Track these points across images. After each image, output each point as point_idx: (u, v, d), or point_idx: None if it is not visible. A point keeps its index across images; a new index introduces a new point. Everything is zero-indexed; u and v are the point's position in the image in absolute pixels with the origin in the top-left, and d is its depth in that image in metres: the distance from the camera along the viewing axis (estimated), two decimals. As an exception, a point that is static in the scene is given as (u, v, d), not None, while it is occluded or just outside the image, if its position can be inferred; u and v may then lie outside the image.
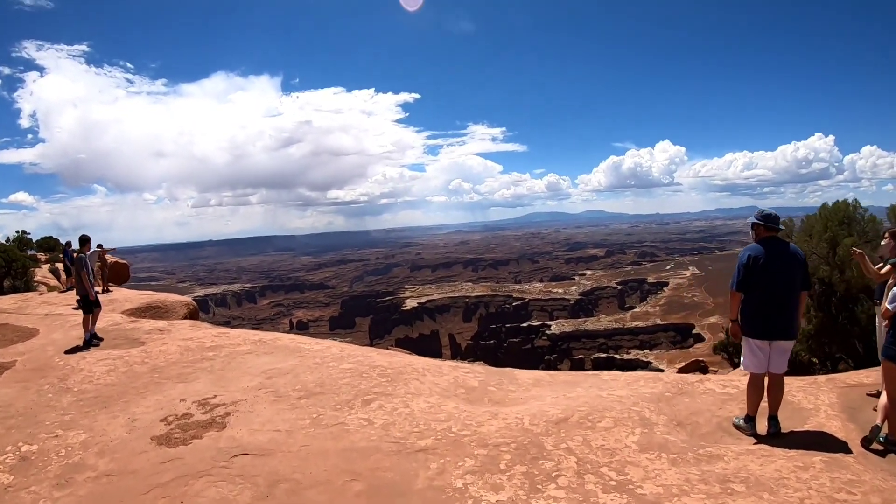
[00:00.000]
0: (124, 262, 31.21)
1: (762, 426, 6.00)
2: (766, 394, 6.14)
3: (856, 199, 12.99)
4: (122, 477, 5.15)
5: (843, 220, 12.96)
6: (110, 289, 21.78)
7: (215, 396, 7.17)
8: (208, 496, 4.66)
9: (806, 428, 6.01)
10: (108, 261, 24.25)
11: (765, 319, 5.99)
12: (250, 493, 4.69)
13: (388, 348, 19.54)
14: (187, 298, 20.57)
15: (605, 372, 8.59)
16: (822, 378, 7.91)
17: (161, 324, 12.63)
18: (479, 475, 4.85)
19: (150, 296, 20.02)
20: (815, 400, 6.84)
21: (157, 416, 6.70)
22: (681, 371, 21.99)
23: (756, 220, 6.52)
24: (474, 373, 8.19)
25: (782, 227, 6.45)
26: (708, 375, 8.37)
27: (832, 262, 12.86)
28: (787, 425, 5.98)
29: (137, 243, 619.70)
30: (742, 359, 6.43)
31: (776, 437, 5.80)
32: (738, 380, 8.22)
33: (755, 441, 5.78)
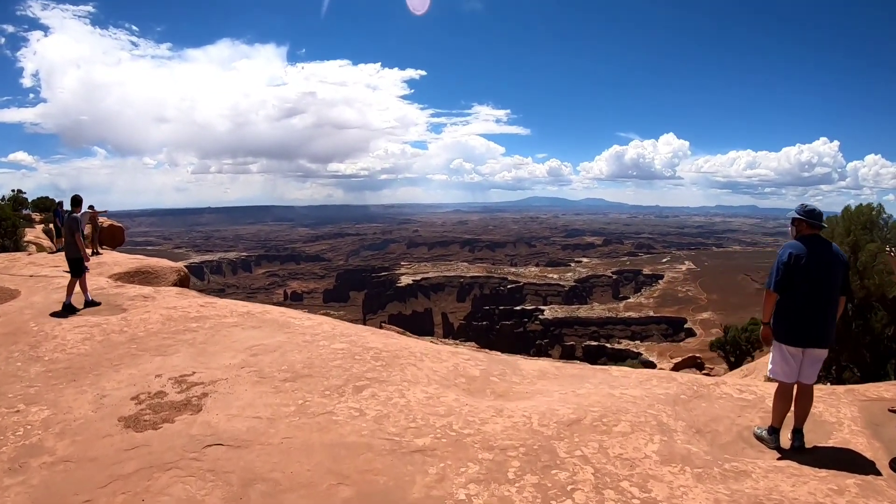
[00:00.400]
0: (120, 224, 30.83)
1: (785, 439, 5.55)
2: (793, 405, 5.62)
3: (880, 204, 12.32)
4: (80, 464, 4.58)
5: (865, 224, 12.34)
6: (101, 252, 21.22)
7: (193, 374, 6.59)
8: (173, 494, 4.08)
9: (830, 444, 5.54)
10: (101, 223, 23.64)
11: (801, 324, 5.47)
12: (221, 492, 4.11)
13: (380, 326, 18.93)
14: (178, 264, 20.00)
15: (615, 367, 8.04)
16: (840, 389, 7.47)
17: (147, 290, 12.03)
18: (484, 485, 4.27)
19: (140, 260, 19.44)
20: (836, 413, 6.34)
21: (128, 392, 6.10)
22: (677, 366, 21.63)
23: (798, 216, 5.95)
24: (475, 360, 7.61)
25: (825, 225, 5.85)
26: (724, 378, 7.82)
27: (853, 267, 12.30)
28: (810, 439, 5.54)
29: (136, 207, 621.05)
30: (771, 366, 5.88)
31: (801, 453, 5.34)
32: (755, 385, 7.76)
33: (779, 456, 5.32)
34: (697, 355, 21.88)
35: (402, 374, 6.61)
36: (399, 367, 6.80)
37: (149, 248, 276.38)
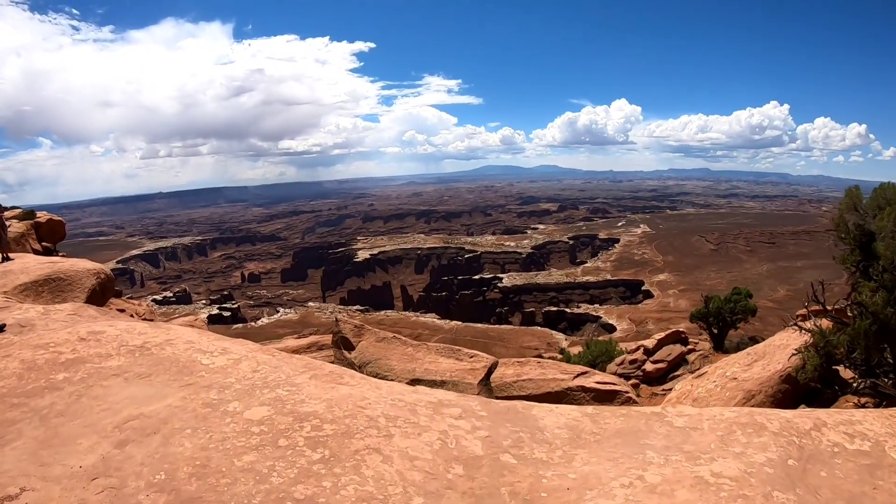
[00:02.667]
0: (60, 218, 28.19)
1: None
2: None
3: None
4: None
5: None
6: (11, 256, 18.05)
7: (14, 498, 3.83)
8: None
9: None
10: (6, 222, 20.33)
11: None
12: None
13: (337, 316, 15.85)
14: (98, 266, 16.93)
15: (672, 409, 5.53)
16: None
17: (33, 312, 9.21)
18: None
19: (53, 265, 16.34)
20: None
21: None
22: (661, 342, 19.72)
23: None
24: (470, 418, 4.98)
25: None
26: (821, 417, 5.40)
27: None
28: None
29: (86, 197, 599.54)
30: None
31: None
32: (855, 420, 5.53)
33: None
34: (681, 329, 20.02)
35: (358, 474, 3.92)
36: (354, 460, 4.11)
37: (101, 238, 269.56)
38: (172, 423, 4.57)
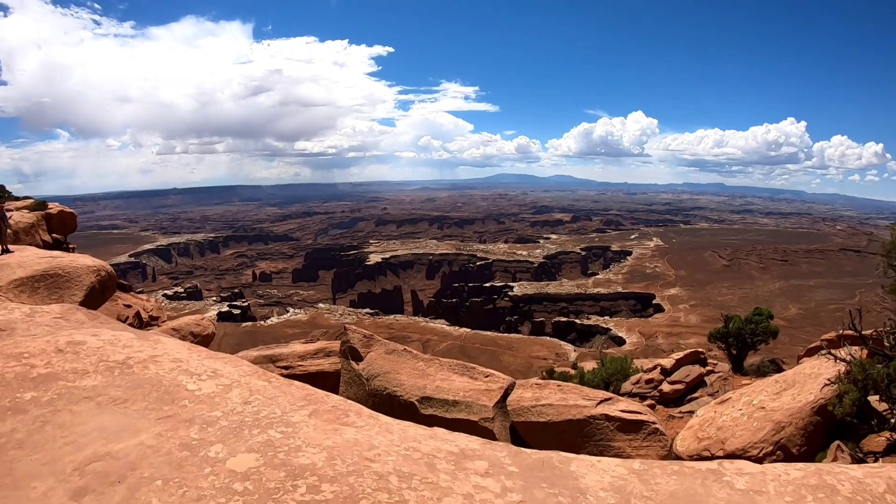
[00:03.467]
0: (71, 210, 28.05)
1: None
2: None
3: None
4: None
5: None
6: (10, 249, 17.43)
7: None
8: None
9: None
10: (6, 213, 19.76)
11: None
12: None
13: (346, 325, 15.13)
14: (99, 263, 16.26)
15: (730, 465, 4.71)
16: None
17: (18, 314, 8.51)
18: None
19: (51, 260, 15.68)
20: None
21: None
22: (679, 361, 18.84)
23: None
24: (498, 476, 4.17)
25: None
26: (893, 476, 4.50)
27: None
28: None
29: (100, 190, 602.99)
30: None
31: None
32: None
33: None
34: (700, 350, 19.16)
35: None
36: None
37: (114, 231, 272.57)
38: (141, 470, 3.80)
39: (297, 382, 5.55)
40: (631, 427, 8.66)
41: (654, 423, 8.95)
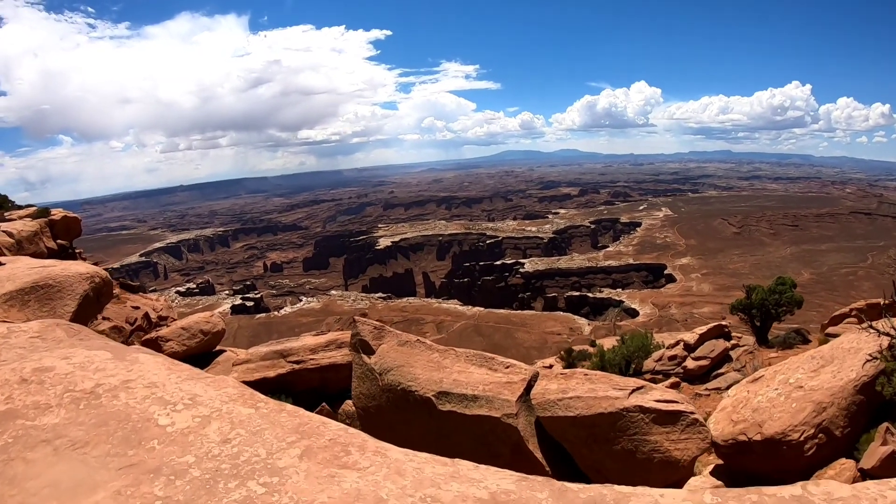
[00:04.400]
0: (74, 215, 27.72)
1: None
2: None
3: None
4: None
5: None
6: (1, 261, 16.83)
7: None
8: None
9: None
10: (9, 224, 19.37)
11: None
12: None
13: (356, 317, 14.37)
14: (92, 269, 15.42)
15: (815, 489, 3.96)
16: None
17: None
18: None
19: (43, 269, 14.91)
20: None
21: None
22: (703, 336, 18.20)
23: None
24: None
25: None
26: None
27: None
28: None
29: (107, 192, 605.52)
30: None
31: None
32: None
33: None
34: (724, 323, 18.50)
35: None
36: None
37: (123, 232, 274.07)
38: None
39: (289, 407, 4.84)
40: (668, 418, 8.06)
41: (692, 413, 8.29)
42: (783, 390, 8.83)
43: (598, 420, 8.13)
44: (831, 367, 8.97)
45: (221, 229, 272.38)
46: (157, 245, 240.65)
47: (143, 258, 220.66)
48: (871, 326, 9.01)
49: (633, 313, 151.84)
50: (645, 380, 17.44)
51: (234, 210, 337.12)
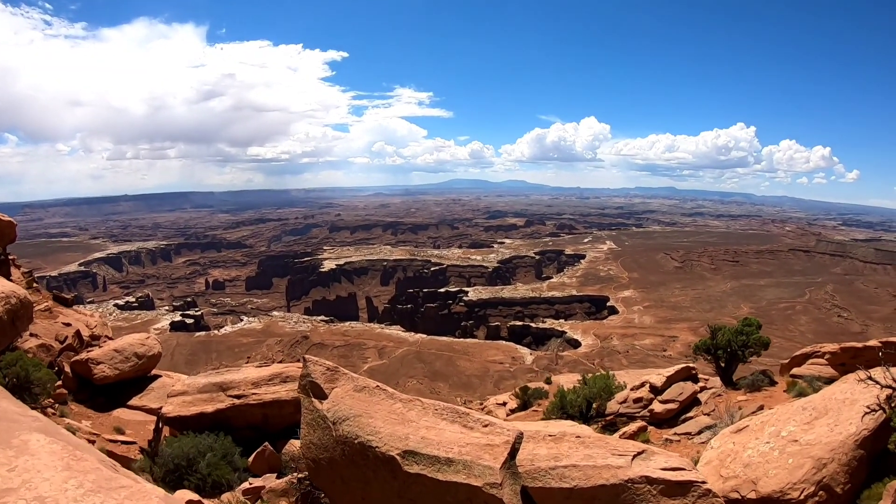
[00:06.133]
0: (9, 219, 25.79)
1: None
2: None
3: None
4: None
5: None
6: None
7: None
8: None
9: None
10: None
11: None
12: None
13: (305, 356, 13.38)
14: (8, 289, 13.29)
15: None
16: None
17: None
18: None
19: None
20: None
21: None
22: (670, 378, 17.98)
23: None
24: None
25: None
26: None
27: None
28: None
29: (50, 196, 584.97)
30: None
31: None
32: None
33: None
34: (691, 366, 18.60)
35: None
36: None
37: (64, 239, 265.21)
38: None
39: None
40: (678, 489, 7.16)
41: (703, 482, 7.31)
42: (776, 444, 8.64)
43: (599, 493, 7.25)
44: (826, 419, 8.83)
45: (164, 243, 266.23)
46: (98, 255, 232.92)
47: (83, 268, 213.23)
48: (870, 378, 8.75)
49: (576, 344, 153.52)
50: (607, 421, 17.23)
51: (179, 224, 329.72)
